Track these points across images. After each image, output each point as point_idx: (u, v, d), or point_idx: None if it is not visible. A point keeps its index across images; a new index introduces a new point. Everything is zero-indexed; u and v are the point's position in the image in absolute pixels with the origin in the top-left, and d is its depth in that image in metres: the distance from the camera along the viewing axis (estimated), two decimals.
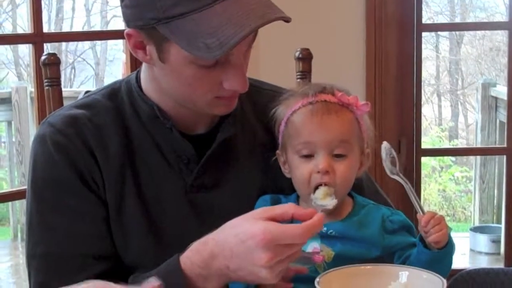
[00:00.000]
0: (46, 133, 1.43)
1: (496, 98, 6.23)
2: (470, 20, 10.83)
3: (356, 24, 2.54)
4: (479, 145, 7.06)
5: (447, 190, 9.62)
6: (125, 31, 1.37)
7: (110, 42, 8.87)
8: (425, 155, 2.72)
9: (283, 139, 1.43)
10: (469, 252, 6.31)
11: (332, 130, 1.38)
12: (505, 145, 2.77)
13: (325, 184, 1.36)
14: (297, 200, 1.44)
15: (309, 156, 1.38)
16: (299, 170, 1.38)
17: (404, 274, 1.27)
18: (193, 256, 1.28)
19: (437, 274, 1.25)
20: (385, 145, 1.37)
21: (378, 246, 1.37)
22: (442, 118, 11.38)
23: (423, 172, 9.35)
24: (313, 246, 1.36)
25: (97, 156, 1.42)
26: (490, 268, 1.90)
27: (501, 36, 9.22)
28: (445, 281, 1.23)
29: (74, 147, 1.41)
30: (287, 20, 1.31)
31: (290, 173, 1.42)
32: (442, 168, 9.78)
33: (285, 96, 1.46)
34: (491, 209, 6.56)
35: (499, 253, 5.01)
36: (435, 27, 4.14)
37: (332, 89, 1.41)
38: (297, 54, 1.88)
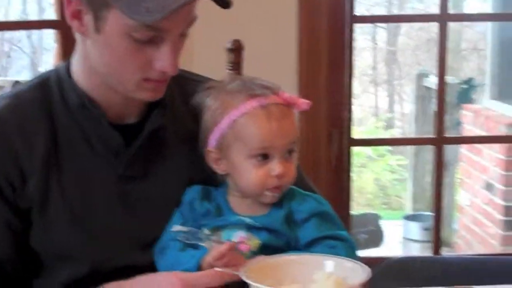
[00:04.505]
0: None
1: (430, 89, 6.33)
2: (407, 11, 10.97)
3: (289, 15, 2.55)
4: (413, 135, 7.17)
5: (382, 178, 9.74)
6: None
7: (46, 31, 8.74)
8: (355, 145, 2.75)
9: (223, 139, 1.41)
10: (402, 240, 6.42)
11: (287, 134, 1.39)
12: (434, 135, 2.82)
13: (277, 188, 1.38)
14: (227, 192, 1.45)
15: (263, 160, 1.39)
16: (252, 174, 1.38)
17: (329, 263, 1.29)
18: None
19: (362, 263, 1.27)
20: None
21: (292, 237, 1.39)
22: (379, 108, 11.51)
23: (359, 161, 9.47)
24: (239, 236, 1.37)
25: (19, 152, 1.41)
26: (418, 256, 1.95)
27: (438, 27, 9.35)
28: (369, 270, 1.25)
29: None
30: (229, 1, 1.36)
31: (232, 173, 1.42)
32: (378, 157, 9.89)
33: (216, 90, 1.45)
34: (424, 197, 6.68)
35: (430, 241, 5.10)
36: (368, 19, 4.18)
37: (275, 88, 1.41)
38: (228, 45, 1.89)
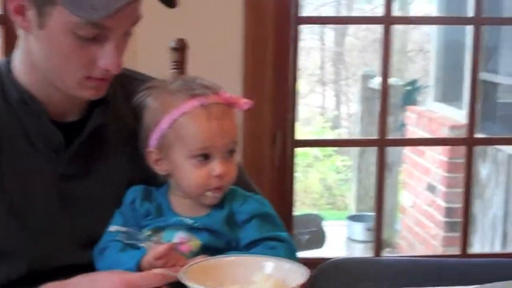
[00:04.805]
0: None
1: (375, 90, 6.41)
2: (355, 11, 11.06)
3: (234, 15, 2.55)
4: (358, 136, 7.24)
5: (328, 178, 9.81)
6: None
7: None
8: (299, 146, 2.77)
9: (164, 139, 1.40)
10: (346, 240, 6.47)
11: (228, 133, 1.40)
12: (377, 137, 2.85)
13: (218, 188, 1.38)
14: (168, 192, 1.44)
15: (204, 160, 1.39)
16: (193, 174, 1.38)
17: (268, 264, 1.29)
18: None
19: (301, 264, 1.28)
20: None
21: (233, 238, 1.39)
22: (326, 107, 11.58)
23: (306, 161, 9.52)
24: (179, 236, 1.37)
25: None
26: (357, 257, 1.96)
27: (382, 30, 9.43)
28: (308, 271, 1.26)
29: None
30: (175, 0, 1.36)
31: (173, 173, 1.42)
32: (324, 157, 9.96)
33: (157, 90, 1.44)
34: (368, 198, 6.75)
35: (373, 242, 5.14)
36: (313, 20, 4.20)
37: (216, 88, 1.41)
38: (172, 44, 1.88)
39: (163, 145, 1.41)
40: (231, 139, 1.40)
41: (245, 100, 1.43)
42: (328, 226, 6.52)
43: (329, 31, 11.49)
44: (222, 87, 1.44)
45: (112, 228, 1.39)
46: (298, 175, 9.19)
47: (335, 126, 10.98)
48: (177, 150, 1.39)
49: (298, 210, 8.16)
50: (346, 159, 9.39)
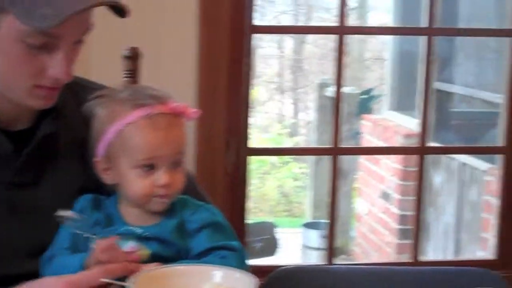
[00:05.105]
0: None
1: (331, 98, 6.44)
2: (314, 19, 11.11)
3: (189, 24, 2.55)
4: (315, 143, 7.27)
5: (285, 186, 9.84)
6: None
7: None
8: (252, 155, 2.77)
9: (109, 148, 1.40)
10: (301, 248, 6.50)
11: (174, 144, 1.39)
12: (332, 145, 2.87)
13: (164, 197, 1.38)
14: (118, 201, 1.44)
15: (149, 170, 1.38)
16: (138, 184, 1.38)
17: (217, 273, 1.30)
18: None
19: (250, 274, 1.29)
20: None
21: (184, 247, 1.40)
22: (284, 115, 11.62)
23: (263, 168, 9.54)
24: (129, 246, 1.37)
25: None
26: (308, 265, 1.97)
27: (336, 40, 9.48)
28: (256, 280, 1.27)
29: None
30: (126, 10, 1.35)
31: (120, 183, 1.41)
32: (282, 164, 9.99)
33: (106, 99, 1.44)
34: (323, 205, 6.79)
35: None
36: (267, 29, 4.22)
37: (163, 98, 1.41)
38: (125, 52, 1.88)
39: (109, 154, 1.41)
40: (177, 149, 1.40)
41: (193, 110, 1.43)
42: (284, 234, 6.55)
43: (288, 39, 11.53)
44: (173, 96, 1.44)
45: (64, 213, 1.38)
46: (256, 181, 9.21)
47: (293, 134, 11.02)
48: (123, 160, 1.39)
49: (255, 217, 8.18)
50: (303, 166, 9.42)
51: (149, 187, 1.38)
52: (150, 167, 1.38)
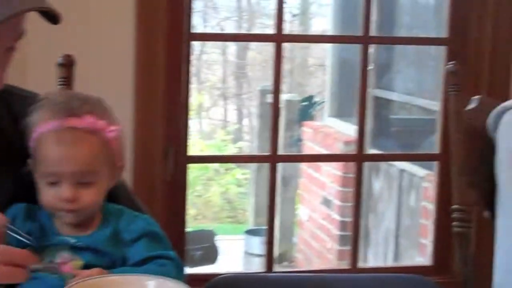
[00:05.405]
0: None
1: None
2: (257, 26, 11.14)
3: (126, 31, 2.54)
4: (257, 150, 7.29)
5: (229, 192, 9.83)
6: None
7: None
8: (191, 163, 2.77)
9: (33, 155, 1.41)
10: (243, 255, 6.50)
11: (76, 161, 1.36)
12: (269, 153, 2.89)
13: (69, 211, 1.36)
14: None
15: (54, 183, 1.37)
16: (45, 193, 1.38)
17: (151, 283, 1.30)
18: None
19: (184, 284, 1.29)
20: None
21: (119, 257, 1.39)
22: (228, 121, 11.62)
23: (206, 175, 9.52)
24: (62, 256, 1.36)
25: None
26: (246, 273, 1.97)
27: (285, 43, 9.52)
28: None
29: None
30: (58, 17, 1.32)
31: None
32: (226, 170, 9.97)
33: (38, 104, 1.42)
34: (265, 211, 6.80)
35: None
36: (204, 37, 4.24)
37: (81, 111, 1.38)
38: (59, 60, 1.86)
39: (33, 161, 1.41)
40: (81, 167, 1.36)
41: (112, 128, 1.40)
42: (226, 240, 6.54)
43: (232, 45, 11.52)
44: (110, 103, 1.42)
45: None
46: (199, 188, 9.19)
47: (236, 140, 11.01)
48: (37, 168, 1.39)
49: (199, 224, 8.16)
50: (246, 172, 9.43)
51: (53, 200, 1.37)
52: (55, 181, 1.37)
